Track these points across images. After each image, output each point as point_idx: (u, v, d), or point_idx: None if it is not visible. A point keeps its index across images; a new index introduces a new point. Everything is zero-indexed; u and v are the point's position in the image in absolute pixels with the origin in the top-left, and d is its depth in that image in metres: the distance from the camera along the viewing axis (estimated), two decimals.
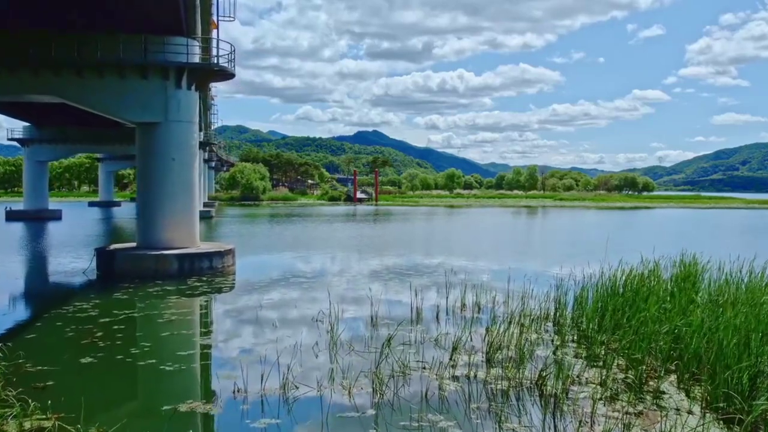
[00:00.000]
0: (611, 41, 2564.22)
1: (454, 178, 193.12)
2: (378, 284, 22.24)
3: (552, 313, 16.34)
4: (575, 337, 14.30)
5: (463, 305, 17.87)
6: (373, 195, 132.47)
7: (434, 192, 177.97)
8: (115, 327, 15.28)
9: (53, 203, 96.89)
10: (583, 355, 12.85)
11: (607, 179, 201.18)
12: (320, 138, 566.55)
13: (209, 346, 13.60)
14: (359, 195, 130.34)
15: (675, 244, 37.91)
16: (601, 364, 12.17)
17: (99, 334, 14.57)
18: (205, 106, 67.23)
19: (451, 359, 12.52)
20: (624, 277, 16.32)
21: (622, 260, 16.92)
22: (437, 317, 16.69)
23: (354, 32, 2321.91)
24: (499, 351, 12.96)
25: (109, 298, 19.37)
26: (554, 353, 13.08)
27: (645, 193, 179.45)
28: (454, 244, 38.67)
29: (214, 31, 30.60)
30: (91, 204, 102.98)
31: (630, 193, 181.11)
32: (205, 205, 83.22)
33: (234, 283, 22.59)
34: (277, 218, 68.69)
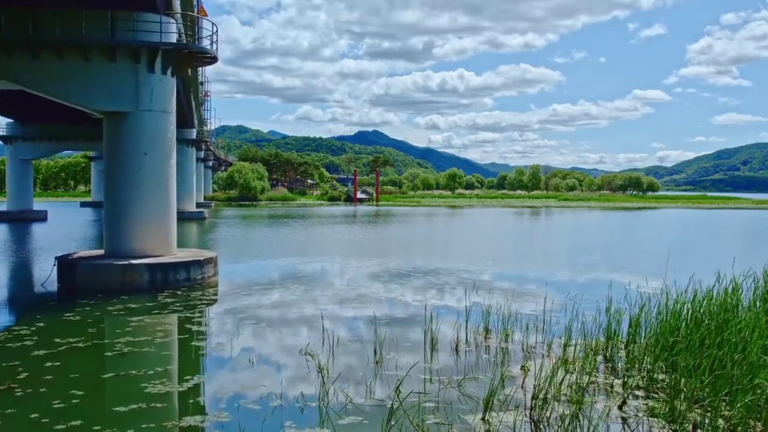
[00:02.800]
0: (612, 41, 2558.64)
1: (456, 178, 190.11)
2: (382, 301, 18.92)
3: (602, 344, 12.97)
4: (641, 382, 10.93)
5: (487, 331, 14.53)
6: (374, 195, 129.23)
7: (436, 192, 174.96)
8: (48, 364, 11.94)
9: (48, 203, 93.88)
10: (660, 412, 9.50)
11: (611, 179, 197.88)
12: (320, 138, 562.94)
13: (158, 397, 10.22)
14: (359, 195, 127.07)
15: (722, 248, 34.65)
16: (688, 426, 8.87)
17: (23, 375, 11.24)
18: (197, 101, 63.92)
19: (484, 420, 9.19)
20: (694, 298, 12.95)
21: (693, 277, 13.55)
22: (456, 349, 13.33)
23: (354, 32, 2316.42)
24: (547, 404, 9.63)
25: (57, 320, 16.04)
26: (620, 408, 9.76)
27: (650, 193, 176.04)
28: (466, 251, 35.32)
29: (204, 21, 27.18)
30: (83, 204, 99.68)
31: (634, 193, 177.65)
32: (199, 205, 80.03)
33: (212, 299, 19.24)
34: (274, 219, 65.38)
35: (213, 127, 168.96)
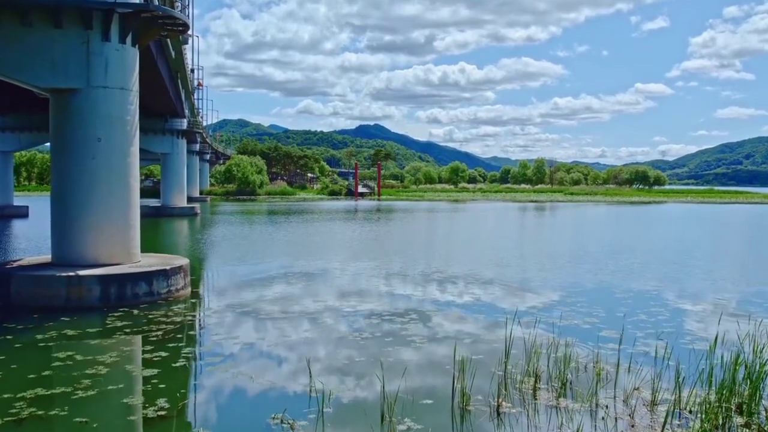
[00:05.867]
0: (615, 34, 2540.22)
1: (459, 172, 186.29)
2: (390, 331, 14.98)
3: (707, 404, 9.00)
4: None
5: (536, 379, 10.54)
6: (375, 189, 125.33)
7: (438, 186, 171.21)
8: None
9: (42, 198, 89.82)
10: None
11: (617, 173, 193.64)
12: (322, 132, 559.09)
13: None
14: (361, 189, 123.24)
15: None
16: None
17: None
18: (187, 89, 59.86)
19: None
20: None
21: None
22: (498, 410, 9.38)
23: (354, 25, 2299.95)
24: None
25: None
26: None
27: (656, 188, 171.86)
28: (487, 256, 31.27)
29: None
30: None
31: (641, 187, 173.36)
32: (192, 200, 76.26)
33: (175, 322, 15.20)
34: (271, 216, 61.49)
35: (213, 121, 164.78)
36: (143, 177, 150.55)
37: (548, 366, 10.96)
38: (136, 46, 19.13)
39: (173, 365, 11.51)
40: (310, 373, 10.33)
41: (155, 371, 11.18)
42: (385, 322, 15.20)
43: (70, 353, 12.23)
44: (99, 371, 11.11)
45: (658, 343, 13.03)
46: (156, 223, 50.55)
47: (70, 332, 13.98)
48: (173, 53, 40.37)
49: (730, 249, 35.20)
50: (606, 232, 46.06)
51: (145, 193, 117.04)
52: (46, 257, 19.47)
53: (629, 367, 11.14)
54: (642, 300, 18.43)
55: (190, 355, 12.17)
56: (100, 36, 17.99)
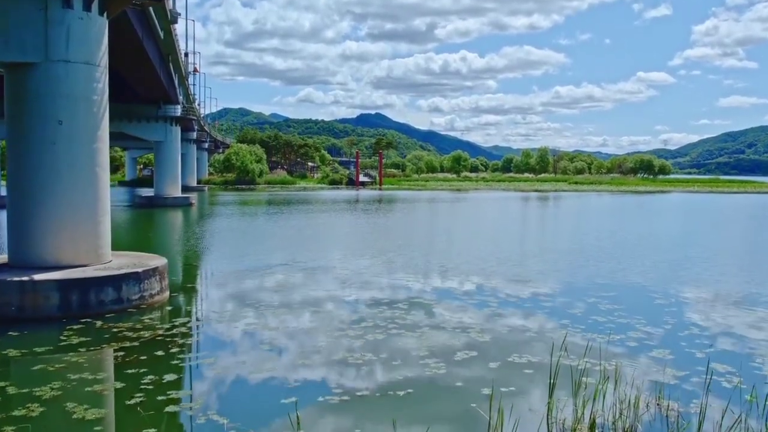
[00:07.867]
0: (618, 22, 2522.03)
1: (461, 161, 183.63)
2: (400, 355, 12.60)
3: None
4: None
5: (593, 422, 8.15)
6: (377, 178, 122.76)
7: (440, 175, 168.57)
8: None
9: None
10: None
11: (621, 161, 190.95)
12: (323, 121, 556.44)
13: None
14: (362, 178, 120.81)
15: None
16: None
17: None
18: (181, 73, 57.23)
19: None
20: None
21: None
22: None
23: (355, 13, 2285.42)
24: None
25: None
26: None
27: (661, 177, 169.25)
28: (499, 254, 28.83)
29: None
30: None
31: (645, 176, 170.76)
32: (188, 189, 74.01)
33: (144, 336, 12.82)
34: (270, 206, 59.06)
35: (214, 110, 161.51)
36: (142, 166, 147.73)
37: (602, 406, 8.57)
38: (105, 14, 16.65)
39: (127, 403, 9.12)
40: (299, 423, 7.87)
41: (102, 411, 8.81)
42: (393, 335, 12.82)
43: (2, 384, 9.85)
44: (31, 411, 8.73)
45: (729, 368, 10.69)
46: (147, 215, 48.23)
47: (12, 352, 11.60)
48: (162, 33, 37.78)
49: (760, 243, 32.82)
50: (619, 224, 43.64)
51: (144, 183, 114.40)
52: (3, 257, 17.09)
53: (702, 405, 8.75)
54: (687, 308, 16.01)
55: (150, 387, 9.75)
56: (61, 2, 15.51)
